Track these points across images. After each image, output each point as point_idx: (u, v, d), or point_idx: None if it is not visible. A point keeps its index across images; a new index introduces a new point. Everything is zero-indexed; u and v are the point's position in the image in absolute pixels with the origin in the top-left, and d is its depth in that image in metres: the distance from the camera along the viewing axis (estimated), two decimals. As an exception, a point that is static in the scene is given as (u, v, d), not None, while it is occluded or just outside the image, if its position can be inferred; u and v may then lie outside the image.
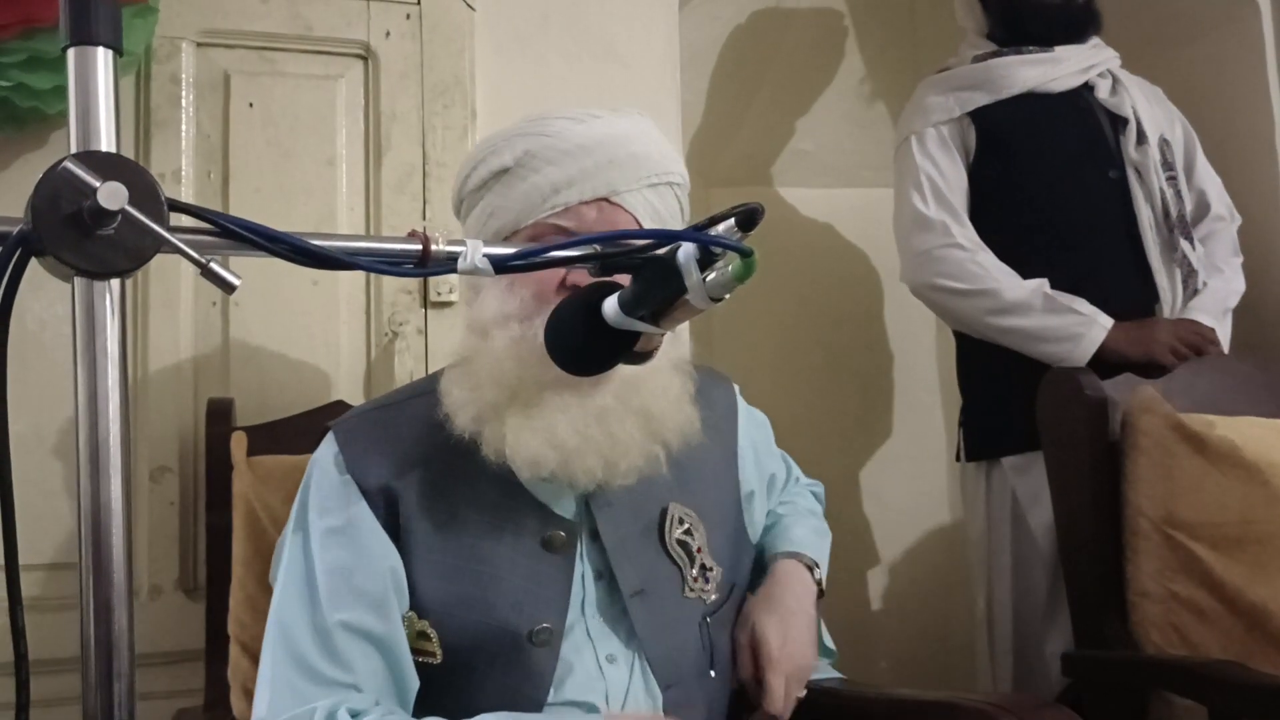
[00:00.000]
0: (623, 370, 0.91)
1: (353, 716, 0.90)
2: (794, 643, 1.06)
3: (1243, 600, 1.40)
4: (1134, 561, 1.45)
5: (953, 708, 1.00)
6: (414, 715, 0.95)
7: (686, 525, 1.06)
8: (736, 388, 1.22)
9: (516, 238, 1.00)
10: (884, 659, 2.38)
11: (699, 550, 1.06)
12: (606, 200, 1.00)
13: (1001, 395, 1.79)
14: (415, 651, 0.97)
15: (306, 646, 0.93)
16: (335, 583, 0.95)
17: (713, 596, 1.06)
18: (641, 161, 1.02)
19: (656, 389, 1.00)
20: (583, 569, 1.02)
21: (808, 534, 1.19)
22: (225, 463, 1.35)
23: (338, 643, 0.92)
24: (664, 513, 1.05)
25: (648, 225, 1.01)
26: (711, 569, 1.07)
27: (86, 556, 0.56)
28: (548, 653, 0.97)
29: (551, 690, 0.97)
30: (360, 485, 0.98)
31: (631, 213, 1.01)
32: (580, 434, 0.95)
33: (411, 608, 0.97)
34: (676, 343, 1.05)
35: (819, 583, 1.15)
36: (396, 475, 0.99)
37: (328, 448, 1.02)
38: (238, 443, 1.34)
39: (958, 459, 1.99)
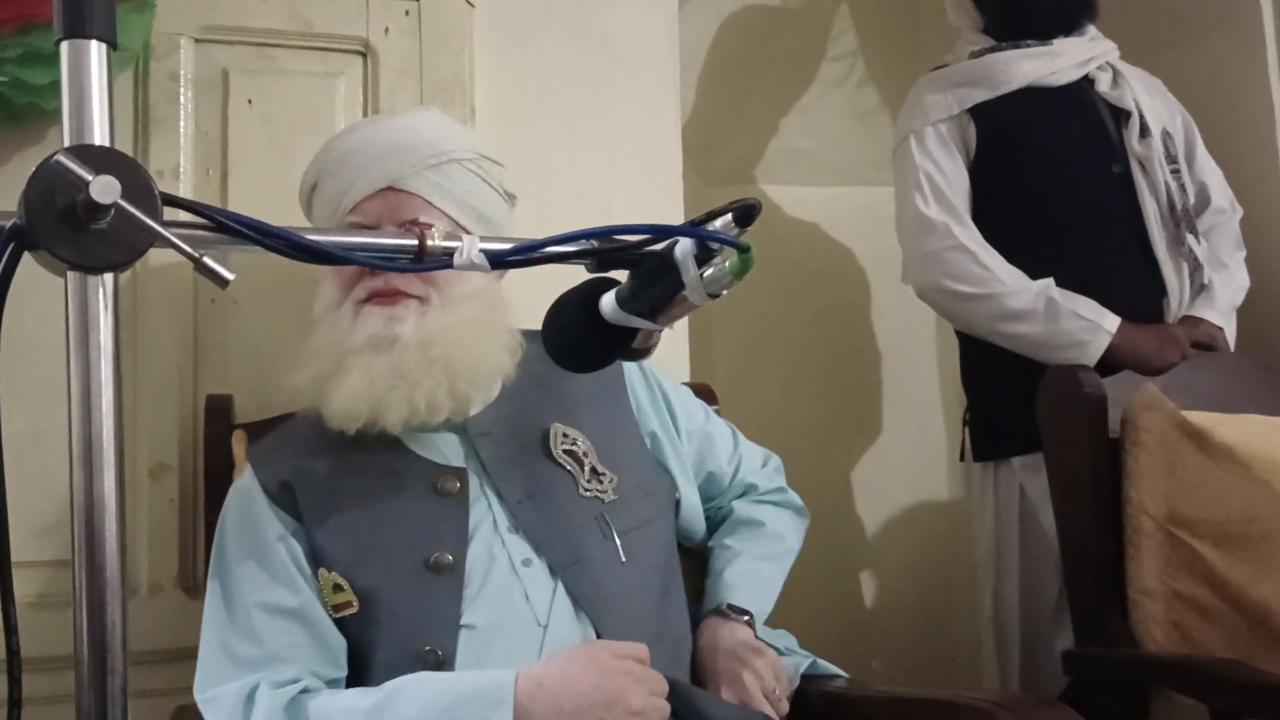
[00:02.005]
0: (421, 329, 1.07)
1: (278, 686, 0.98)
2: (749, 659, 1.12)
3: (1245, 598, 1.39)
4: (1135, 559, 1.44)
5: (953, 706, 1.00)
6: (350, 667, 1.03)
7: (572, 439, 1.15)
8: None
9: None
10: (883, 658, 2.38)
11: (586, 455, 1.14)
12: (390, 189, 1.11)
13: (1010, 395, 1.76)
14: (336, 608, 1.05)
15: (228, 634, 1.03)
16: (247, 576, 1.06)
17: (611, 496, 1.13)
18: (414, 147, 1.12)
19: (454, 342, 1.09)
20: (485, 499, 1.10)
21: (743, 575, 1.23)
22: (225, 460, 1.34)
23: (256, 624, 1.02)
24: (547, 431, 1.15)
25: (439, 204, 1.12)
26: (604, 474, 1.14)
27: (80, 553, 0.56)
28: (452, 576, 1.04)
29: (467, 604, 1.03)
30: (263, 485, 1.11)
31: (417, 194, 1.11)
32: (379, 384, 1.05)
33: (321, 564, 1.06)
34: (490, 301, 1.15)
35: (750, 625, 1.19)
36: (293, 466, 1.11)
37: (245, 469, 1.16)
38: (238, 441, 1.34)
39: (961, 459, 1.98)
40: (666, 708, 0.98)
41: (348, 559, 1.05)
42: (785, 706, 1.10)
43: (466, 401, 1.11)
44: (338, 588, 1.05)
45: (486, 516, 1.09)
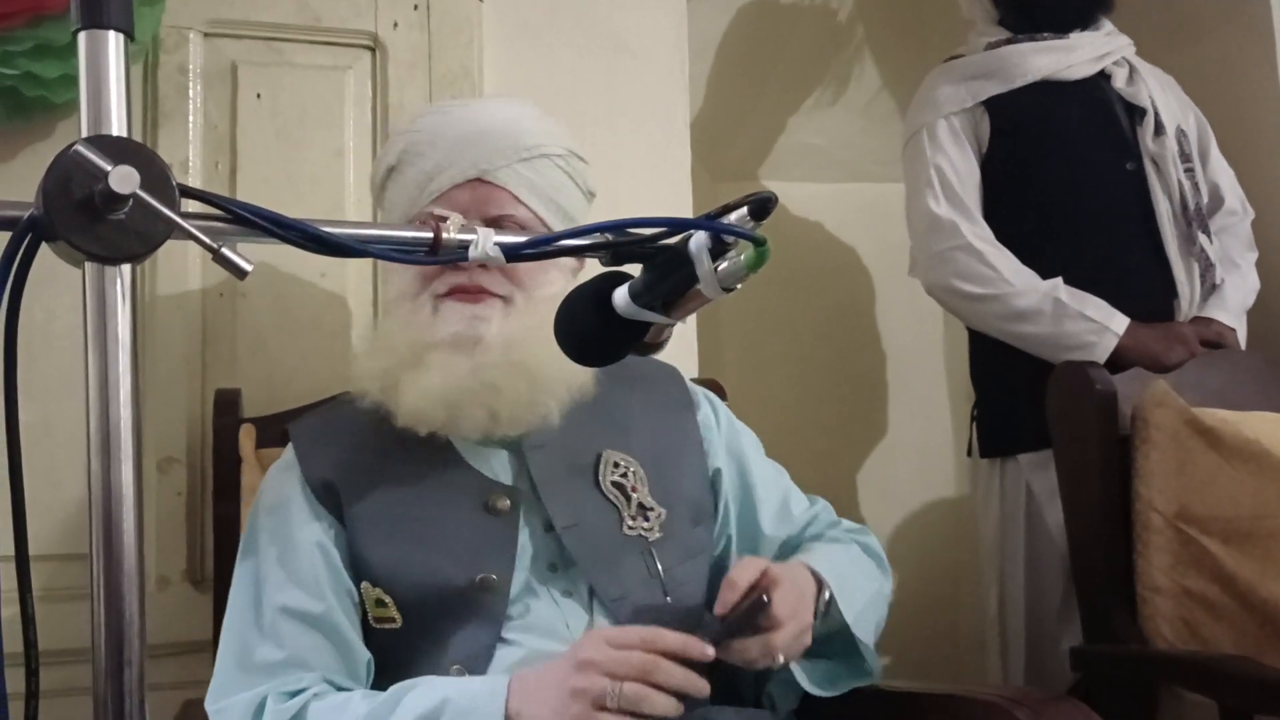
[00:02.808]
0: (505, 329, 1.03)
1: (289, 696, 0.96)
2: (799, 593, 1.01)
3: (1255, 595, 1.39)
4: (1145, 556, 1.44)
5: (964, 701, 0.99)
6: (387, 681, 0.98)
7: (623, 469, 1.10)
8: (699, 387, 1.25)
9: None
10: (891, 655, 2.37)
11: (634, 490, 1.09)
12: (479, 180, 1.07)
13: (1018, 392, 1.76)
14: (378, 620, 1.02)
15: (250, 633, 1.00)
16: (275, 573, 1.02)
17: (656, 534, 1.08)
18: (509, 138, 1.08)
19: (538, 343, 1.02)
20: (530, 526, 1.06)
21: (836, 561, 1.10)
22: (233, 454, 1.35)
23: (279, 627, 0.99)
24: (599, 457, 1.09)
25: (527, 200, 1.08)
26: (652, 509, 1.09)
27: (97, 544, 0.56)
28: (496, 598, 1.01)
29: (506, 631, 1.01)
30: (306, 476, 1.06)
31: (505, 188, 1.07)
32: (461, 388, 1.01)
33: (365, 578, 1.03)
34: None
35: (820, 596, 1.04)
36: (340, 462, 1.06)
37: (286, 451, 1.11)
38: (246, 435, 1.34)
39: (969, 455, 1.98)
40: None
41: (391, 575, 1.02)
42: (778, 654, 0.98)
43: (543, 414, 1.05)
44: (380, 603, 1.02)
45: (532, 539, 1.05)
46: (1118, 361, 1.65)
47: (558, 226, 1.08)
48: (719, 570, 1.11)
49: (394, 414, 1.04)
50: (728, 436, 1.20)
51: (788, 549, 1.16)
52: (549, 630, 1.02)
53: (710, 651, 0.91)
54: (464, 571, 1.01)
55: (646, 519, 1.08)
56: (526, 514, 1.06)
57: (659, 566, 1.06)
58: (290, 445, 1.11)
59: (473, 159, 1.07)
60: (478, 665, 0.99)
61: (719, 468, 1.17)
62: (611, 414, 1.12)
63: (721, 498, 1.17)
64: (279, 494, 1.07)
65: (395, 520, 1.04)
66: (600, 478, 1.09)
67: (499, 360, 1.02)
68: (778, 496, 1.19)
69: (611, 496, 1.08)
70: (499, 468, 1.08)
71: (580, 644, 0.91)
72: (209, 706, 0.99)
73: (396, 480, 1.05)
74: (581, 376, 1.06)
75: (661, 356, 1.11)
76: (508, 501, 1.05)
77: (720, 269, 0.73)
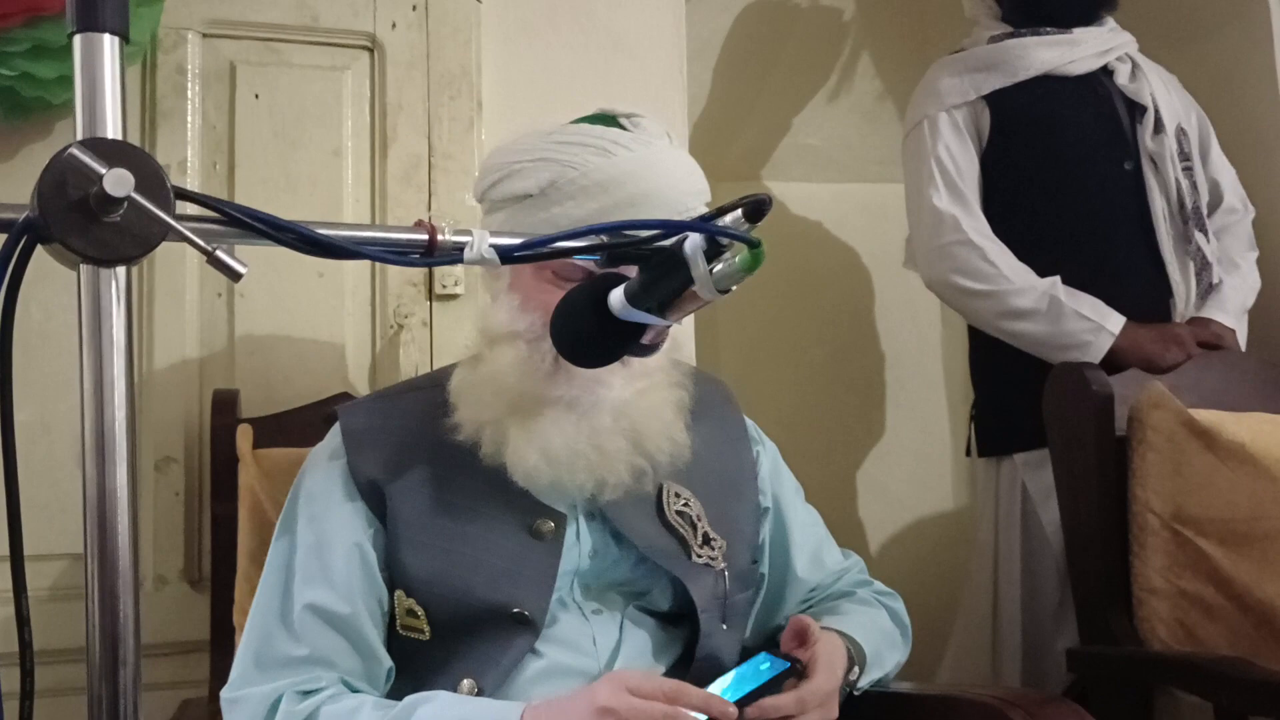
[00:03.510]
0: (619, 392, 1.00)
1: (304, 695, 0.94)
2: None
3: (1251, 597, 1.39)
4: (1141, 557, 1.44)
5: (960, 702, 0.99)
6: (407, 689, 0.97)
7: (684, 500, 1.08)
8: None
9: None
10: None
11: (699, 519, 1.08)
12: None
13: (1016, 390, 1.76)
14: (405, 628, 1.01)
15: (274, 624, 0.99)
16: (309, 565, 1.00)
17: (721, 564, 1.07)
18: (666, 198, 1.00)
19: (648, 410, 1.03)
20: (576, 551, 1.04)
21: (871, 635, 1.10)
22: (230, 454, 1.35)
23: (304, 624, 0.97)
24: (661, 489, 1.07)
25: None
26: (715, 539, 1.08)
27: (92, 544, 0.56)
28: (529, 631, 1.00)
29: (532, 655, 1.00)
30: (353, 470, 1.03)
31: None
32: (573, 450, 0.99)
33: (400, 586, 1.01)
34: (675, 357, 1.09)
35: (848, 675, 1.04)
36: (389, 462, 1.04)
37: (331, 435, 1.08)
38: (243, 435, 1.34)
39: (968, 454, 1.98)
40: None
41: (427, 589, 1.00)
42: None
43: (640, 477, 1.02)
44: (412, 613, 1.01)
45: (571, 564, 1.03)
46: (1113, 362, 1.65)
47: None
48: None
49: (488, 452, 1.01)
50: (773, 476, 1.20)
51: (816, 595, 1.18)
52: (576, 645, 1.01)
53: (733, 711, 0.90)
54: (501, 600, 0.99)
55: (711, 549, 1.07)
56: (571, 539, 1.04)
57: (726, 589, 1.06)
58: (339, 430, 1.07)
59: (630, 217, 0.99)
60: (498, 680, 0.98)
61: (767, 506, 1.17)
62: None
63: (762, 535, 1.17)
64: (323, 482, 1.05)
65: (437, 531, 1.01)
66: (664, 508, 1.07)
67: (610, 426, 1.00)
68: (813, 542, 1.19)
69: (677, 526, 1.07)
70: (554, 493, 1.04)
71: (601, 687, 0.88)
72: (225, 695, 0.98)
73: (444, 490, 1.03)
74: (682, 444, 1.04)
75: (658, 357, 1.10)
76: (551, 524, 1.03)
77: (715, 271, 0.73)
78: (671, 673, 1.03)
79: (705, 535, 1.07)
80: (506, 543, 1.02)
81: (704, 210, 1.05)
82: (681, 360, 1.12)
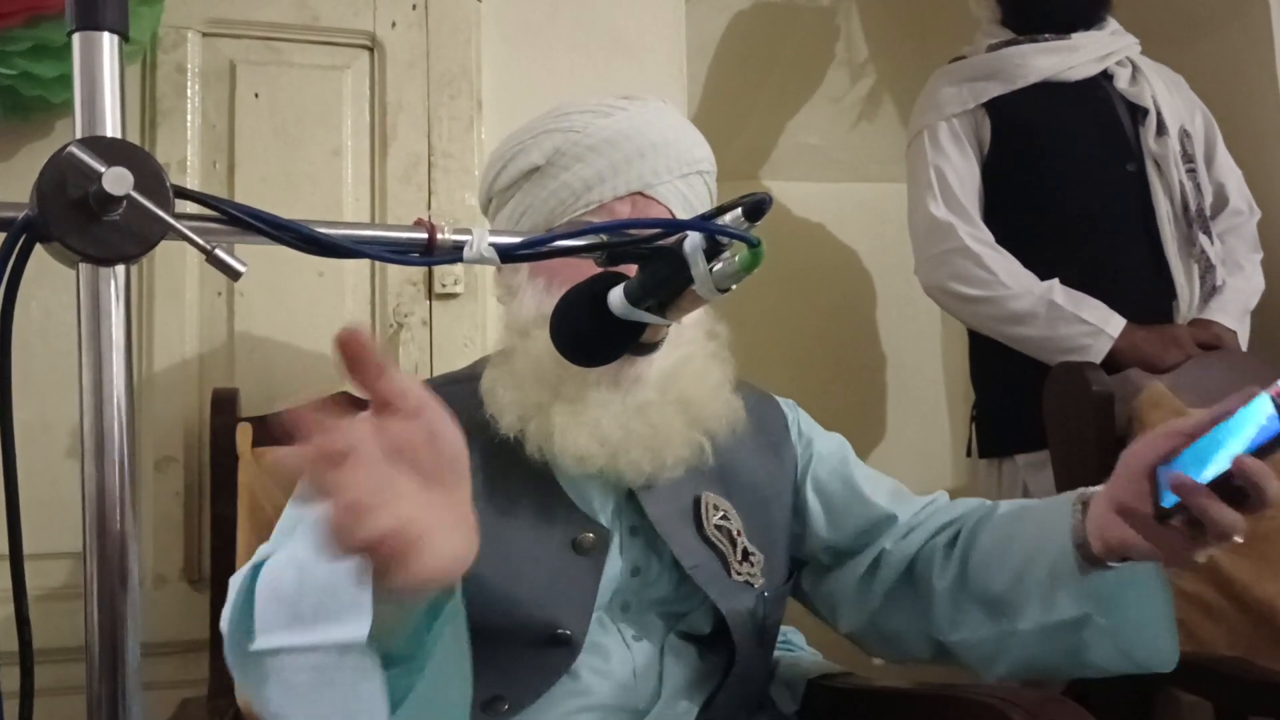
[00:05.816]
0: (660, 362, 0.97)
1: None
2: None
3: (1250, 596, 1.39)
4: (1140, 557, 1.44)
5: (960, 701, 0.99)
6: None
7: (722, 512, 1.05)
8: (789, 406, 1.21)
9: None
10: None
11: (739, 534, 1.05)
12: (640, 194, 1.01)
13: (1016, 392, 1.76)
14: None
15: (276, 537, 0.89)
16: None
17: (760, 580, 1.04)
18: (671, 151, 1.01)
19: (693, 376, 1.00)
20: (618, 566, 1.00)
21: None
22: (230, 453, 1.35)
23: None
24: (698, 500, 1.04)
25: (680, 216, 1.01)
26: (754, 554, 1.05)
27: (91, 544, 0.56)
28: (568, 652, 0.97)
29: (571, 673, 0.97)
30: None
31: (665, 205, 1.02)
32: (624, 428, 0.96)
33: None
34: (712, 333, 1.07)
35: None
36: None
37: None
38: (243, 434, 1.34)
39: (968, 455, 1.98)
40: None
41: (468, 595, 0.97)
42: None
43: (699, 453, 0.99)
44: None
45: (612, 580, 1.00)
46: (1113, 363, 1.65)
47: None
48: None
49: (534, 445, 0.97)
50: (816, 444, 1.17)
51: (938, 529, 1.12)
52: (615, 677, 0.99)
53: None
54: (542, 618, 0.96)
55: (750, 565, 1.04)
56: (611, 555, 1.00)
57: (764, 612, 1.04)
58: None
59: (639, 172, 1.00)
60: (528, 699, 0.95)
61: (799, 483, 1.13)
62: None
63: (808, 508, 1.12)
64: None
65: (481, 536, 1.00)
66: (704, 520, 1.04)
67: (658, 400, 0.97)
68: (887, 483, 1.18)
69: (717, 541, 1.04)
70: (597, 502, 1.01)
71: None
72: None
73: (491, 494, 0.98)
74: (736, 408, 1.02)
75: (694, 327, 1.07)
76: (593, 537, 0.99)
77: (715, 270, 0.73)
78: (709, 701, 1.01)
79: (745, 550, 1.04)
80: (552, 556, 0.98)
81: (710, 178, 1.06)
82: (718, 332, 1.09)
